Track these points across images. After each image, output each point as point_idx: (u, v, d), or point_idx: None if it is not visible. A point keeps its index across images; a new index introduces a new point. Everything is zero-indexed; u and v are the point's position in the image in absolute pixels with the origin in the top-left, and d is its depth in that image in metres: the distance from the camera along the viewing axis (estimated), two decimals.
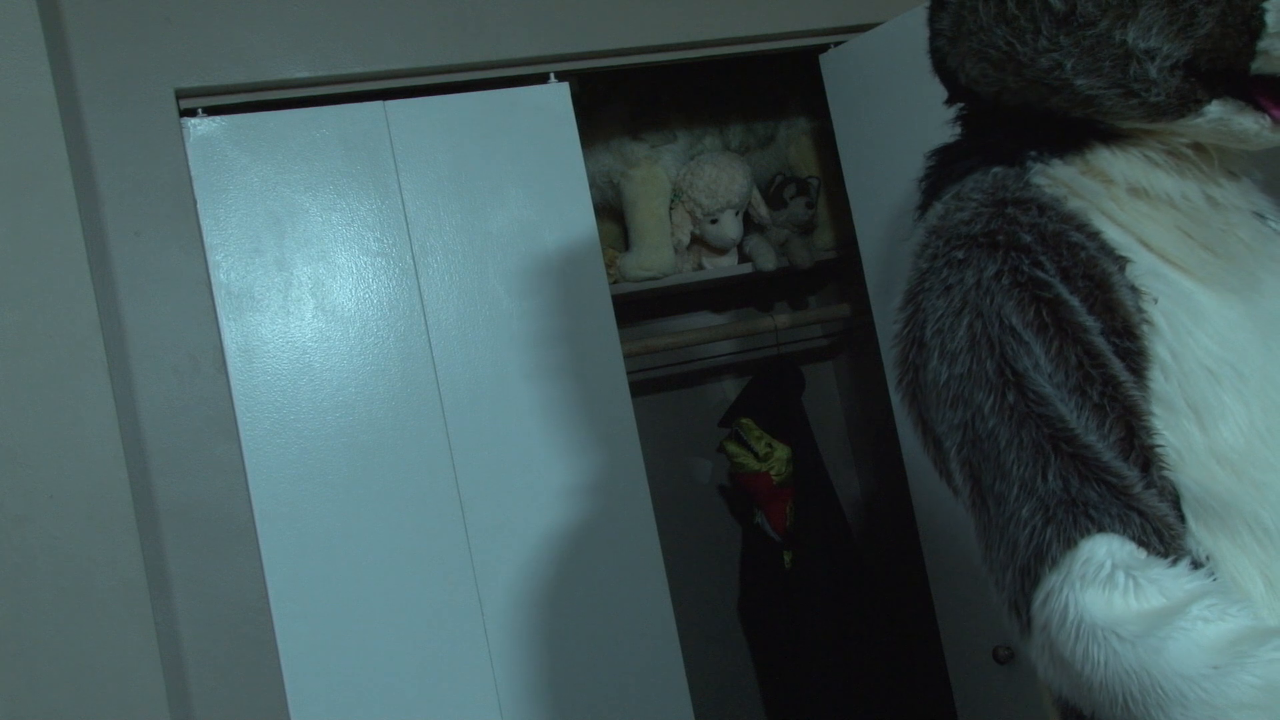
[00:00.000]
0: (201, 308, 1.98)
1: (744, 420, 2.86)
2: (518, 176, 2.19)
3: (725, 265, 2.86)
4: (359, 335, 2.07)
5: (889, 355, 1.18)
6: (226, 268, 2.02)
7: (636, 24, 2.25)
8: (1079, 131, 1.13)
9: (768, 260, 2.81)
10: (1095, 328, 1.03)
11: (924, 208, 1.22)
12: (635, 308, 3.02)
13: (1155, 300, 1.05)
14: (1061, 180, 1.12)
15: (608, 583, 2.16)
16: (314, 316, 2.06)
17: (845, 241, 2.88)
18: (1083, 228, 1.07)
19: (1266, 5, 1.01)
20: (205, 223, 2.01)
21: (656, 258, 2.71)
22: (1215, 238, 1.11)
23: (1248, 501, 1.02)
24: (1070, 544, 0.97)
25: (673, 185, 2.78)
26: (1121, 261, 1.06)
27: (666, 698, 2.18)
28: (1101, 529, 0.97)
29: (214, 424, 1.96)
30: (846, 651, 2.75)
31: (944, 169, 1.21)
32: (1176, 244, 1.10)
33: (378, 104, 2.14)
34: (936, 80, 1.24)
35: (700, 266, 2.87)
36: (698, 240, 2.85)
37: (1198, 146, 1.12)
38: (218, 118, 2.05)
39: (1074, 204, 1.10)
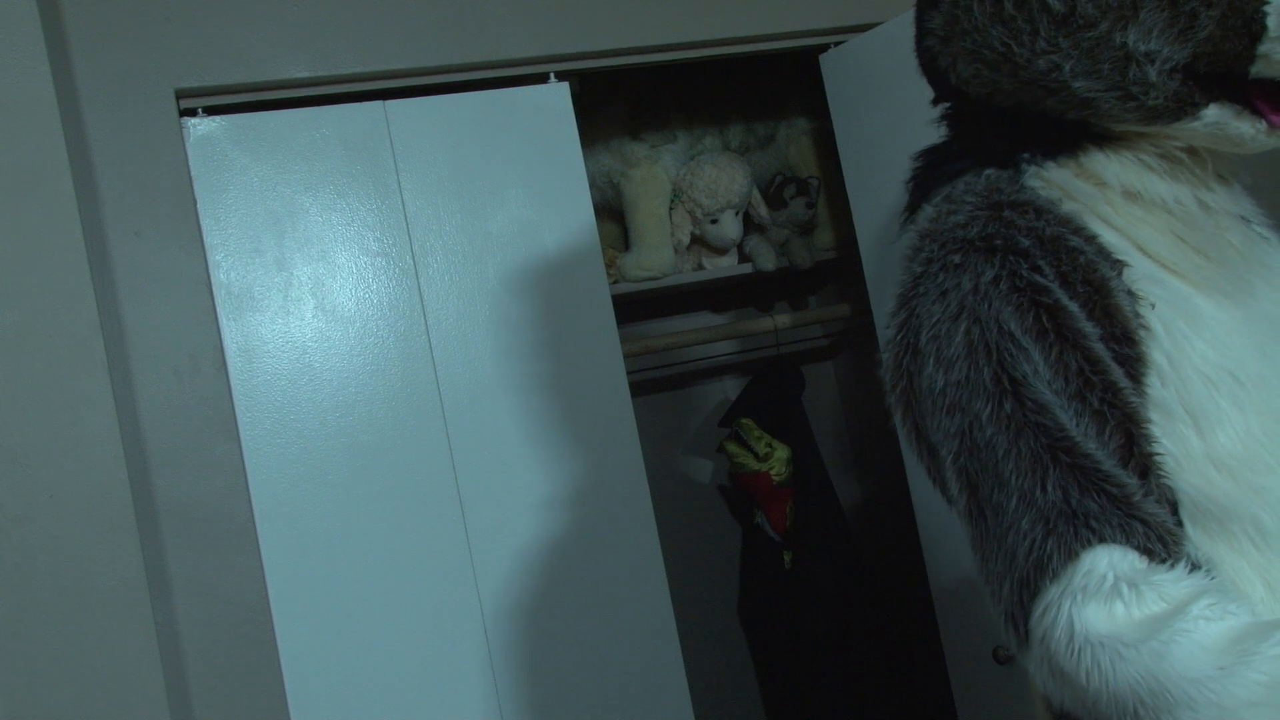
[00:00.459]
0: (201, 308, 1.98)
1: (744, 420, 2.86)
2: (518, 176, 2.19)
3: (725, 265, 2.86)
4: (359, 335, 2.07)
5: (882, 363, 1.16)
6: (226, 268, 2.02)
7: (636, 24, 2.25)
8: (1072, 133, 1.12)
9: (768, 260, 2.81)
10: (1095, 334, 1.02)
11: (911, 210, 1.20)
12: (635, 308, 3.02)
13: (1153, 305, 1.04)
14: (1056, 183, 1.11)
15: (608, 583, 2.16)
16: (314, 316, 2.06)
17: (845, 241, 2.88)
18: (1080, 231, 1.06)
19: (1268, 8, 1.00)
20: (205, 223, 2.01)
21: (656, 258, 2.71)
22: (1208, 242, 1.10)
23: (1246, 506, 1.01)
24: (1071, 556, 0.96)
25: (673, 185, 2.78)
26: (1119, 266, 1.05)
27: (666, 698, 2.18)
28: (1103, 540, 0.96)
29: (214, 424, 1.96)
30: (846, 651, 2.75)
31: (932, 171, 1.19)
32: (1171, 248, 1.09)
33: (378, 104, 2.14)
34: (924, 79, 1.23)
35: (700, 266, 2.87)
36: (698, 240, 2.85)
37: (1191, 150, 1.11)
38: (218, 118, 2.05)
39: (1069, 207, 1.09)
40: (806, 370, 3.09)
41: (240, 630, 1.94)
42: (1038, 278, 1.02)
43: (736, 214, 2.79)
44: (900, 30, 2.25)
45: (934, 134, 1.26)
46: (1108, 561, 0.95)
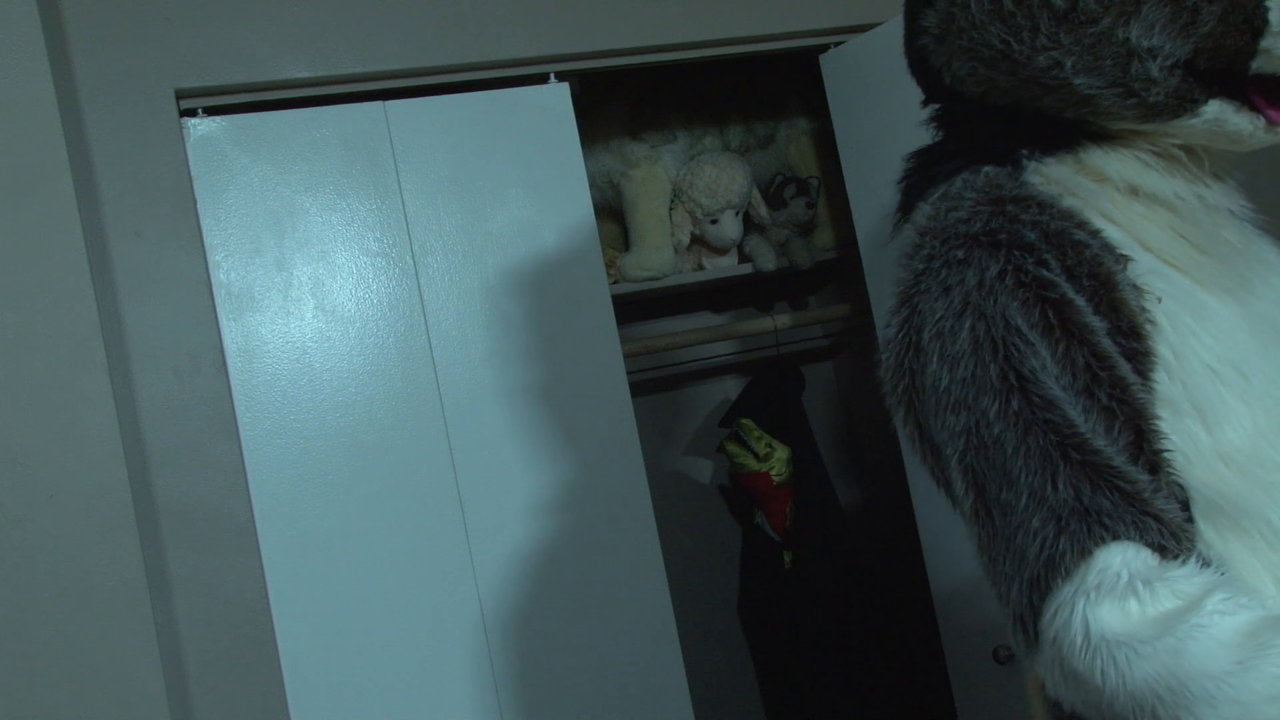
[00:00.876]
0: (201, 308, 1.98)
1: (744, 420, 2.86)
2: (518, 176, 2.19)
3: (725, 265, 2.86)
4: (359, 335, 2.07)
5: (882, 362, 1.14)
6: (226, 268, 2.02)
7: (636, 24, 2.25)
8: (1069, 131, 1.11)
9: (768, 260, 2.81)
10: (1102, 328, 1.01)
11: (904, 209, 1.19)
12: (635, 308, 3.02)
13: (1159, 300, 1.03)
14: (1056, 179, 1.11)
15: (608, 583, 2.16)
16: (314, 316, 2.06)
17: (845, 241, 2.88)
18: (1084, 225, 1.05)
19: (1269, 4, 1.00)
20: (205, 223, 2.01)
21: (656, 258, 2.71)
22: (1207, 238, 1.10)
23: (1256, 503, 1.00)
24: (1085, 554, 0.95)
25: (673, 185, 2.78)
26: (1123, 260, 1.04)
27: (666, 698, 2.18)
28: (1116, 537, 0.95)
29: (214, 424, 1.96)
30: (846, 651, 2.75)
31: (925, 171, 1.18)
32: (1172, 244, 1.09)
33: (378, 104, 2.13)
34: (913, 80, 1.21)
35: (700, 266, 2.87)
36: (698, 240, 2.85)
37: (1187, 149, 1.11)
38: (218, 118, 2.05)
39: (1070, 202, 1.08)
40: (806, 370, 3.09)
41: (240, 630, 1.93)
42: (1044, 272, 1.01)
43: (736, 214, 2.79)
44: (900, 30, 2.25)
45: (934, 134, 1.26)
46: (1121, 559, 0.94)
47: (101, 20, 1.97)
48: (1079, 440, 0.97)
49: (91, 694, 1.72)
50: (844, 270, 3.00)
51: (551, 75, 2.24)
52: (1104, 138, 1.11)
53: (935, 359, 1.05)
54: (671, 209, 2.78)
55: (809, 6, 2.35)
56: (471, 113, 2.18)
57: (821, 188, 2.92)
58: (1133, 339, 1.02)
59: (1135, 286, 1.04)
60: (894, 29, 2.27)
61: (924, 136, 1.25)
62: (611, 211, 2.83)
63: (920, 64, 1.19)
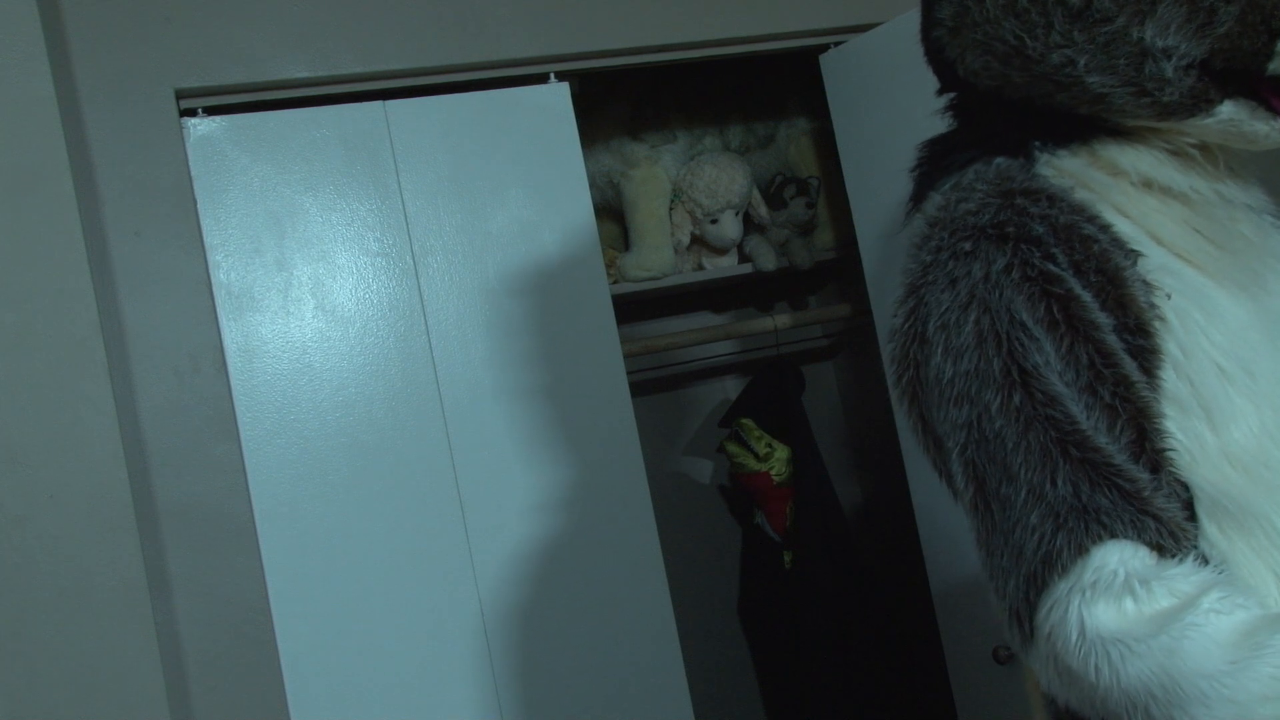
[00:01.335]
0: (201, 308, 1.98)
1: (744, 420, 2.86)
2: (518, 176, 2.19)
3: (725, 265, 2.86)
4: (359, 335, 2.07)
5: (887, 351, 1.14)
6: (226, 268, 2.02)
7: (636, 24, 2.25)
8: (1084, 125, 1.10)
9: (768, 260, 2.81)
10: (1108, 325, 1.00)
11: (917, 199, 1.18)
12: (635, 308, 3.02)
13: (1169, 296, 1.02)
14: (1069, 172, 1.10)
15: (608, 583, 2.16)
16: (314, 316, 2.06)
17: (845, 241, 2.88)
18: (1094, 220, 1.04)
19: None
20: (205, 223, 2.01)
21: (656, 258, 2.71)
22: (1222, 233, 1.09)
23: (1260, 503, 1.00)
24: (1081, 551, 0.94)
25: (673, 185, 2.78)
26: (1134, 256, 1.04)
27: (666, 698, 2.18)
28: (1114, 535, 0.95)
29: (214, 424, 1.96)
30: (846, 651, 2.75)
31: (939, 160, 1.18)
32: (1186, 239, 1.08)
33: (378, 104, 2.13)
34: (929, 71, 1.21)
35: (700, 266, 2.87)
36: (698, 240, 2.85)
37: (1203, 146, 1.10)
38: (218, 118, 2.05)
39: (1082, 196, 1.07)
40: (806, 370, 3.09)
41: (240, 630, 1.93)
42: (1051, 266, 1.01)
43: (736, 214, 2.79)
44: (900, 30, 2.25)
45: (935, 131, 1.24)
46: (1119, 558, 0.94)
47: (101, 20, 1.97)
48: (1079, 437, 0.97)
49: (91, 694, 1.72)
50: (844, 270, 3.00)
51: (551, 75, 2.24)
52: (1119, 132, 1.10)
53: (940, 351, 1.04)
54: (671, 209, 2.78)
55: (809, 6, 2.36)
56: (471, 113, 2.18)
57: (821, 188, 2.92)
58: (1139, 336, 1.01)
59: (1145, 282, 1.03)
60: (894, 29, 2.27)
61: (924, 136, 1.25)
62: (611, 211, 2.83)
63: (935, 55, 1.18)
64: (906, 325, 1.09)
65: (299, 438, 2.02)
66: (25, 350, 1.75)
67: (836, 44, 2.43)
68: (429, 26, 2.14)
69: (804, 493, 2.80)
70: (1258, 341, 1.04)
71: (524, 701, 2.09)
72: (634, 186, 2.73)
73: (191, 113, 2.05)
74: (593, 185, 2.56)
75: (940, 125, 1.24)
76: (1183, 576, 0.94)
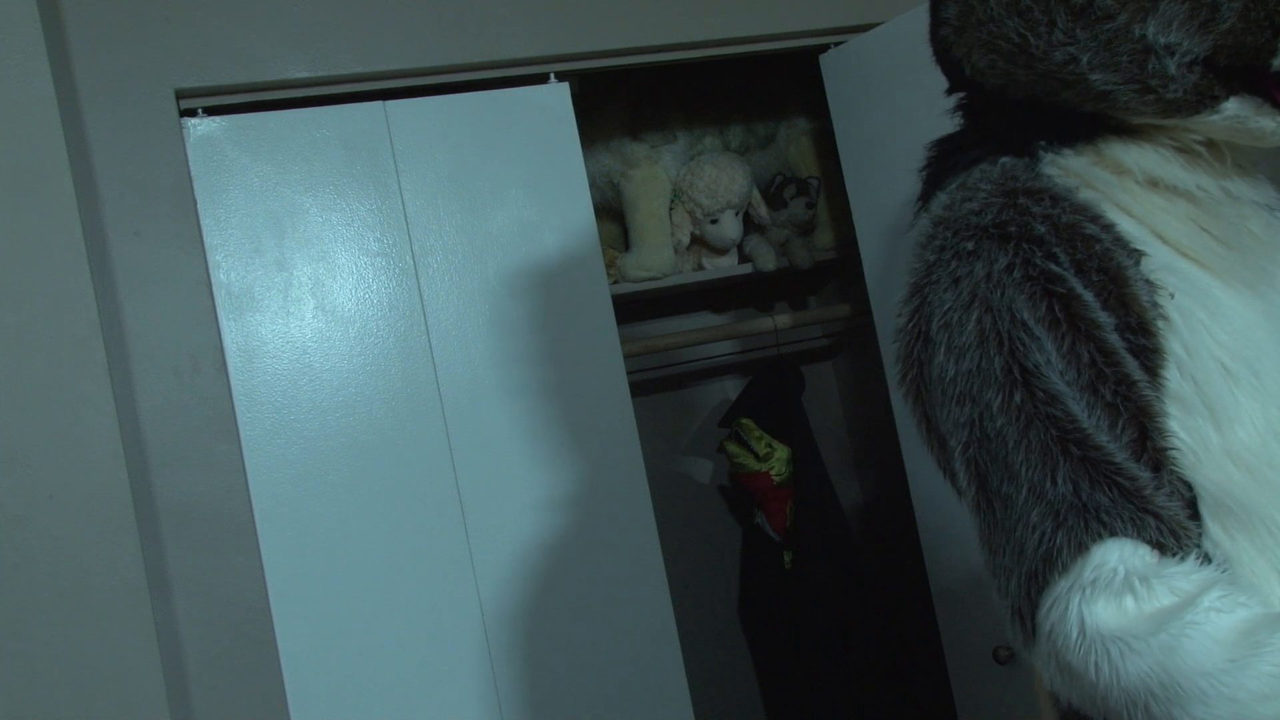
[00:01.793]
0: (201, 308, 1.98)
1: (744, 420, 2.86)
2: (518, 176, 2.19)
3: (725, 265, 2.86)
4: (359, 335, 2.07)
5: (891, 350, 1.14)
6: (226, 268, 2.02)
7: (636, 24, 2.25)
8: (1089, 123, 1.11)
9: (768, 260, 2.81)
10: (1109, 324, 1.00)
11: (925, 198, 1.19)
12: (635, 308, 3.02)
13: (1172, 295, 1.03)
14: (1074, 171, 1.10)
15: (608, 583, 2.16)
16: (314, 316, 2.06)
17: (845, 241, 2.88)
18: (1097, 219, 1.05)
19: None
20: (205, 223, 2.01)
21: (656, 258, 2.71)
22: (1229, 231, 1.09)
23: (1264, 503, 1.00)
24: (1081, 549, 0.95)
25: (673, 185, 2.78)
26: (1137, 255, 1.04)
27: (666, 698, 2.18)
28: (1114, 534, 0.95)
29: (214, 424, 1.96)
30: (846, 651, 2.75)
31: (946, 159, 1.18)
32: (1191, 237, 1.08)
33: (378, 104, 2.13)
34: (937, 70, 1.21)
35: (700, 267, 2.87)
36: (698, 240, 2.85)
37: (1209, 143, 1.10)
38: (218, 118, 2.05)
39: (1086, 195, 1.08)
40: (806, 370, 3.09)
41: (240, 630, 1.93)
42: (1052, 266, 1.01)
43: (736, 214, 2.79)
44: (900, 30, 2.25)
45: (935, 133, 1.25)
46: (1118, 556, 0.94)
47: (101, 20, 1.97)
48: (1080, 436, 0.97)
49: (91, 694, 1.72)
50: (844, 270, 3.00)
51: (551, 75, 2.24)
52: (1124, 130, 1.10)
53: (942, 350, 1.05)
54: (671, 209, 2.78)
55: (809, 6, 2.36)
56: (471, 113, 2.18)
57: (821, 188, 2.92)
58: (1142, 335, 1.01)
59: (1148, 282, 1.03)
60: (894, 29, 2.27)
61: (924, 136, 1.25)
62: (611, 211, 2.83)
63: (943, 54, 1.18)
64: (910, 324, 1.10)
65: (299, 438, 2.02)
66: (25, 350, 1.75)
67: (836, 44, 2.43)
68: (429, 26, 2.14)
69: (804, 493, 2.80)
70: (1264, 340, 1.04)
71: (524, 701, 2.09)
72: (634, 186, 2.73)
73: (191, 113, 2.05)
74: (593, 185, 2.56)
75: (943, 125, 1.24)
76: (1183, 575, 0.94)
